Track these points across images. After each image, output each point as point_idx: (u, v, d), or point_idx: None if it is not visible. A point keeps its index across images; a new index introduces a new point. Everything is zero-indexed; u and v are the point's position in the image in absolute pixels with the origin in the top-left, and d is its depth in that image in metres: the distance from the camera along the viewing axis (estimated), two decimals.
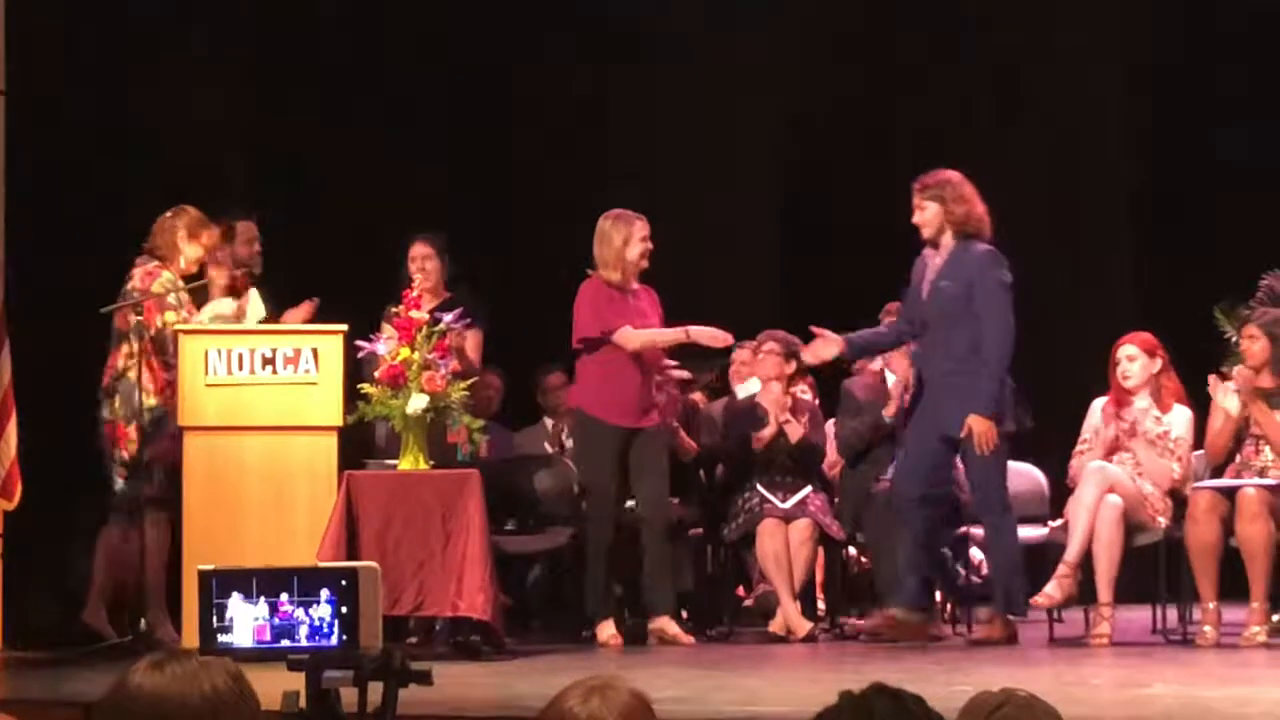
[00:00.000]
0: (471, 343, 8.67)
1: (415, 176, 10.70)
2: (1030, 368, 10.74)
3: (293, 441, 8.04)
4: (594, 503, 8.44)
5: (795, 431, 8.79)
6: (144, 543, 8.15)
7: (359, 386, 7.91)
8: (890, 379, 8.83)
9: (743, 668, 7.49)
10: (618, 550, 8.38)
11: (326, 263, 9.61)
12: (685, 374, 8.92)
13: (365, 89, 10.73)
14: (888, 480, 8.57)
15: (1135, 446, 8.21)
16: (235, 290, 8.55)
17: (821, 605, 9.27)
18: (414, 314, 7.88)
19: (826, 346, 8.37)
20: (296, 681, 3.45)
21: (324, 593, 3.55)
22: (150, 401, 8.20)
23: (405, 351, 7.81)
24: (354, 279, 9.05)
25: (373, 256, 9.44)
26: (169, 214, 8.43)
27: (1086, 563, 8.05)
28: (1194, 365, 8.50)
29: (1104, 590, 8.01)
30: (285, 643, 3.54)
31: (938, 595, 8.86)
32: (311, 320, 8.41)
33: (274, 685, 3.20)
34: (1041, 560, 8.31)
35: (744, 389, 9.21)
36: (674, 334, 8.47)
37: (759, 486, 8.72)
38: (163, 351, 8.24)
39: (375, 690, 3.44)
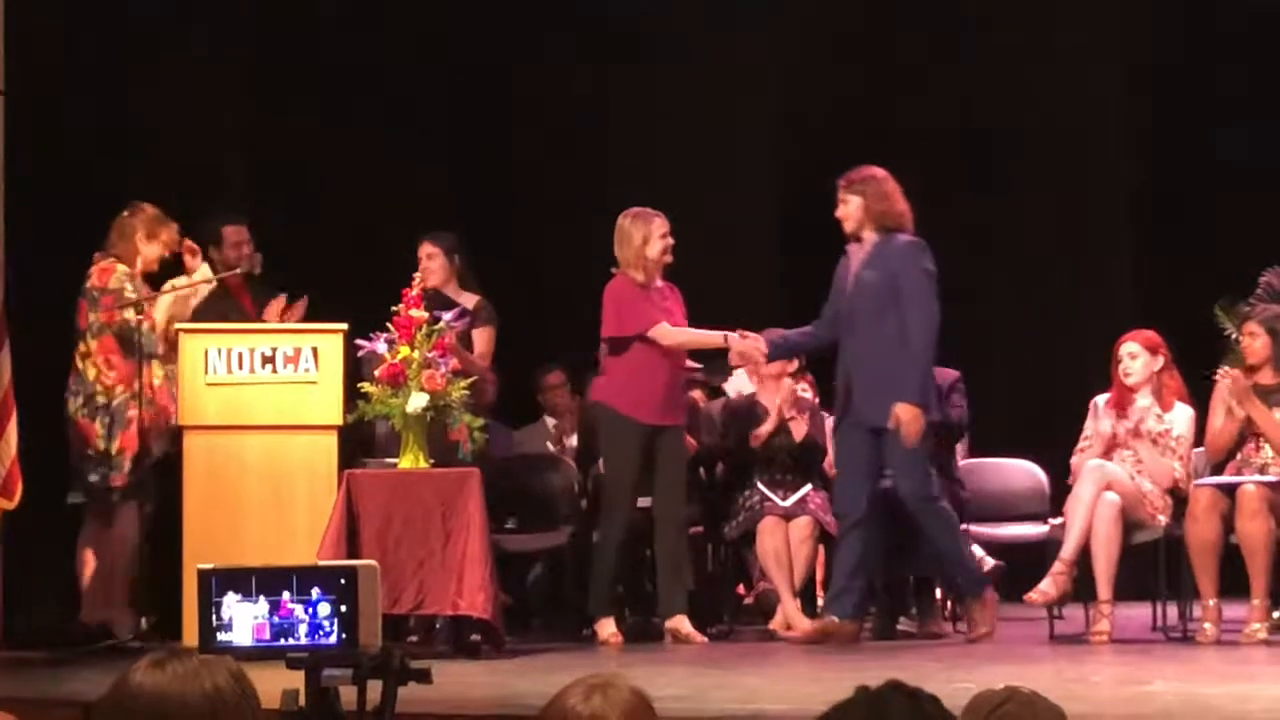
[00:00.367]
0: (482, 339, 8.68)
1: (415, 176, 10.70)
2: (1031, 365, 10.81)
3: (293, 440, 8.05)
4: (611, 498, 8.42)
5: (799, 430, 8.79)
6: (112, 533, 8.16)
7: (359, 385, 7.92)
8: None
9: (743, 666, 7.49)
10: (624, 548, 8.39)
11: (326, 263, 9.61)
12: (702, 377, 8.94)
13: (365, 89, 10.72)
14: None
15: (1136, 445, 8.21)
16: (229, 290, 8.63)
17: (821, 603, 9.26)
18: (413, 313, 7.87)
19: (749, 348, 8.36)
20: (296, 680, 3.45)
21: (323, 591, 3.56)
22: (115, 393, 8.19)
23: (405, 350, 7.81)
24: (354, 279, 9.05)
25: (373, 256, 9.44)
26: (125, 213, 8.39)
27: (1085, 560, 8.05)
28: (1195, 363, 8.50)
29: (1104, 588, 8.01)
30: (285, 641, 3.54)
31: (938, 593, 8.87)
32: (302, 319, 8.43)
33: (273, 684, 3.20)
34: (1041, 558, 8.30)
35: (732, 384, 9.19)
36: (713, 337, 8.46)
37: (759, 484, 8.73)
38: (126, 344, 8.20)
39: (375, 689, 3.45)
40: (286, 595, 3.55)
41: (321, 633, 3.54)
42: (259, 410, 8.05)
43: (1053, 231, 11.08)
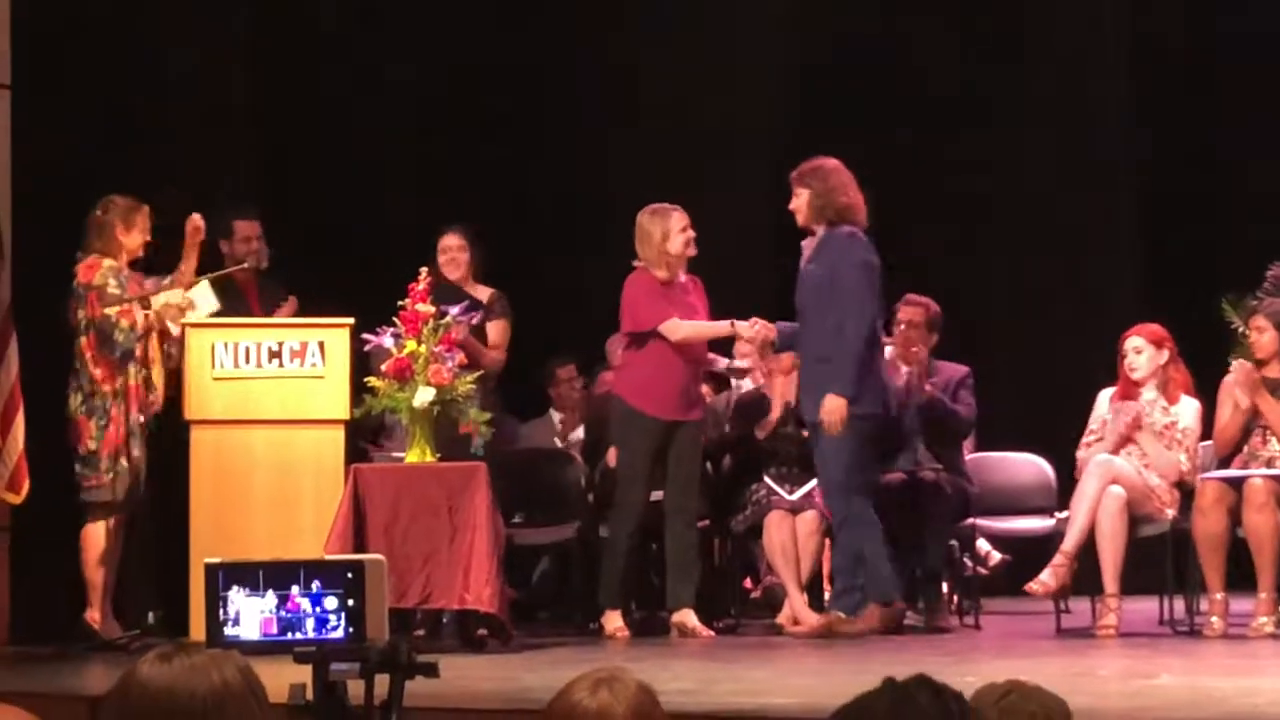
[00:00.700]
0: (497, 331, 8.69)
1: (415, 176, 10.70)
2: (1037, 359, 10.80)
3: (299, 435, 8.06)
4: (625, 493, 8.43)
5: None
6: (97, 535, 8.09)
7: (365, 380, 7.92)
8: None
9: (749, 660, 7.49)
10: (633, 541, 8.40)
11: (331, 259, 9.61)
12: (725, 372, 8.94)
13: (365, 89, 10.71)
14: (897, 472, 8.56)
15: (1142, 438, 8.21)
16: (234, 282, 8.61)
17: (828, 597, 9.26)
18: (420, 307, 7.87)
19: (760, 333, 8.35)
20: (303, 674, 3.45)
21: (331, 586, 3.56)
22: (104, 391, 8.15)
23: (411, 344, 7.81)
24: (359, 275, 9.04)
25: (378, 253, 9.44)
26: (98, 211, 8.24)
27: (1088, 553, 8.04)
28: (1201, 357, 8.49)
29: (1110, 581, 8.01)
30: (292, 635, 3.54)
31: (944, 587, 8.87)
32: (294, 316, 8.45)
33: (281, 678, 3.20)
34: (1047, 552, 8.28)
35: (735, 366, 9.17)
36: (719, 327, 8.47)
37: (766, 478, 8.72)
38: (106, 342, 8.15)
39: (382, 683, 3.45)
40: (294, 589, 3.55)
41: (329, 627, 3.54)
42: (266, 405, 8.05)
43: (1058, 224, 11.06)
